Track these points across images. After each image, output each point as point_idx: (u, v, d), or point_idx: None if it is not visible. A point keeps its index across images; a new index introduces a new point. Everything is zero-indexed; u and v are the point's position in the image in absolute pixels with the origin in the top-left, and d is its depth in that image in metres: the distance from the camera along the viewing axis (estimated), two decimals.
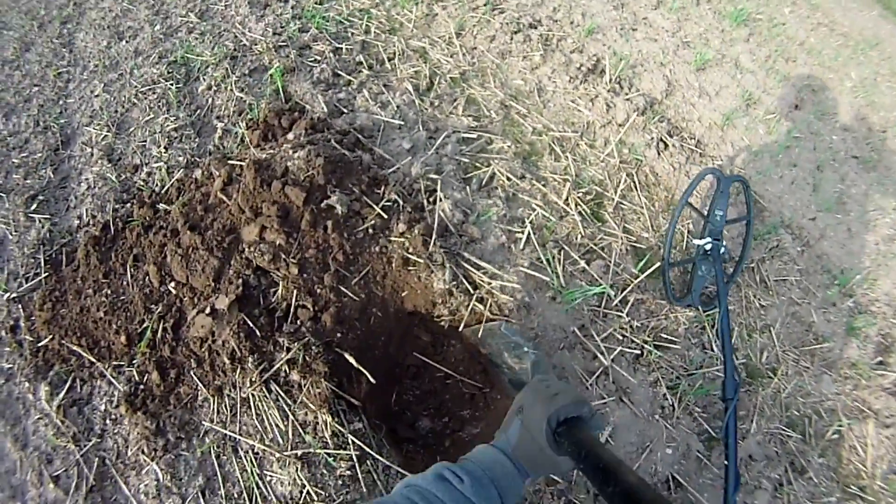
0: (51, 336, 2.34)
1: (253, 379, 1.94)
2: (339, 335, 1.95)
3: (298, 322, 1.95)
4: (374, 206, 2.00)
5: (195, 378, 2.04)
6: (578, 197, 2.33)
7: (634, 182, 2.49)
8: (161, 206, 2.35)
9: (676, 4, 3.49)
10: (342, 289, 1.97)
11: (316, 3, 3.24)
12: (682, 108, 2.88)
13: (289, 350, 1.92)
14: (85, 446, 2.02)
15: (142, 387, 2.09)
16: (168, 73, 2.91)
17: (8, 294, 2.50)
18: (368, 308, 2.03)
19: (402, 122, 2.46)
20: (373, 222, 1.99)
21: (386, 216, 2.02)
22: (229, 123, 2.56)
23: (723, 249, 2.14)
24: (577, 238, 2.22)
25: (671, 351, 2.14)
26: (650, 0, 3.41)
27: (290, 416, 1.93)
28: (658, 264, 2.20)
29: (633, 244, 2.29)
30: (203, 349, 2.05)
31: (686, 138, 2.74)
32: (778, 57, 3.67)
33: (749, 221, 2.34)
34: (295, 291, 1.95)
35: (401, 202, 2.06)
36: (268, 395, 1.95)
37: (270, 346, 1.96)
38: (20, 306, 2.47)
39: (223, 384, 2.02)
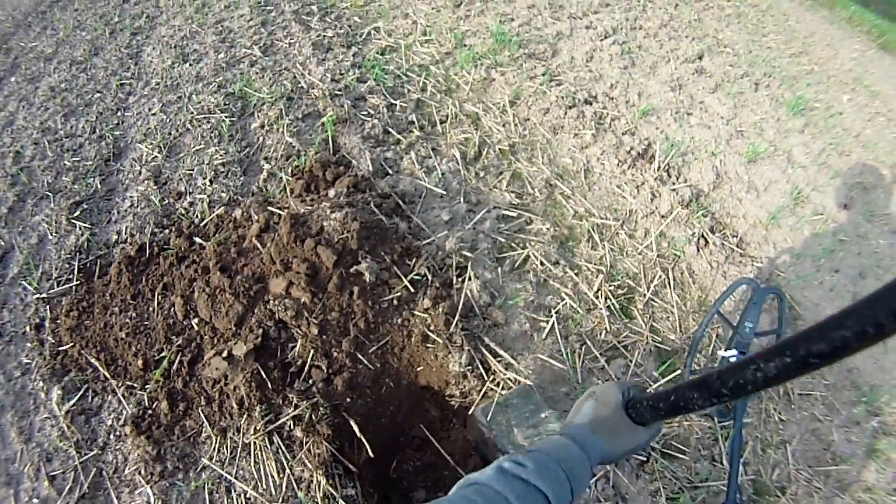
0: (72, 343, 2.50)
1: (257, 427, 2.04)
2: (348, 400, 2.04)
3: (311, 381, 2.06)
4: (403, 278, 2.11)
5: (202, 415, 2.15)
6: (610, 290, 2.41)
7: (669, 278, 2.55)
8: (197, 239, 2.51)
9: (734, 89, 3.59)
10: (359, 355, 2.07)
11: (377, 54, 3.46)
12: (728, 202, 2.95)
13: (297, 406, 2.02)
14: (85, 455, 2.15)
15: (150, 412, 2.22)
16: (225, 104, 3.13)
17: (39, 293, 2.68)
18: (382, 378, 2.13)
19: (445, 192, 2.60)
20: (399, 294, 2.10)
21: (413, 289, 2.13)
22: (276, 167, 2.74)
23: None
24: (601, 334, 2.29)
25: (678, 461, 2.16)
26: (708, 83, 3.51)
27: (287, 470, 2.02)
28: (680, 370, 2.24)
29: (658, 345, 2.34)
30: (214, 389, 2.17)
31: (728, 236, 2.80)
32: (832, 150, 3.67)
33: (779, 335, 2.37)
34: (312, 351, 2.06)
35: (430, 276, 2.18)
36: (269, 445, 2.04)
37: (279, 399, 2.07)
38: (48, 307, 2.65)
39: (228, 426, 2.12)
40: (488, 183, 2.73)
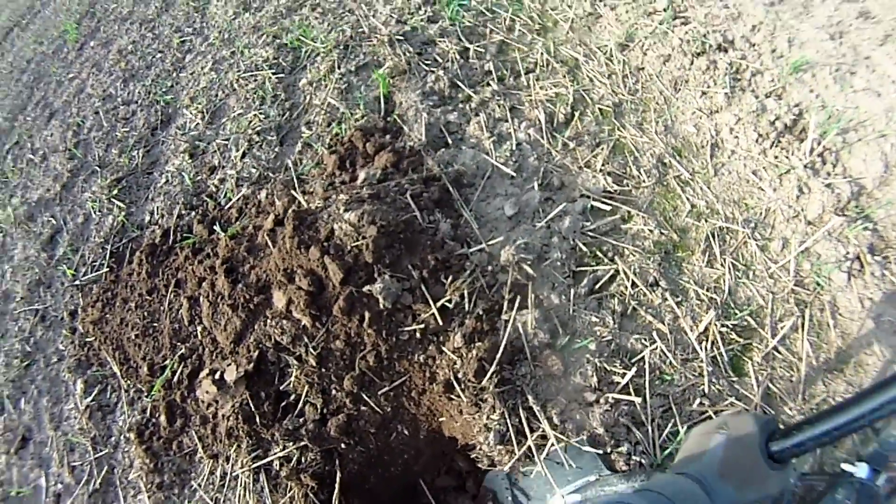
0: (94, 337, 2.49)
1: (244, 461, 1.81)
2: (343, 446, 1.71)
3: (302, 420, 1.74)
4: (431, 304, 1.65)
5: (195, 436, 2.00)
6: (720, 332, 1.72)
7: (804, 318, 1.77)
8: (216, 228, 2.29)
9: None
10: (364, 396, 1.70)
11: None
12: None
13: (284, 448, 1.72)
14: (100, 451, 2.25)
15: (152, 422, 2.17)
16: (275, 58, 2.88)
17: (75, 279, 2.72)
18: (392, 423, 1.74)
19: (516, 173, 2.06)
20: (424, 324, 1.65)
21: (443, 319, 1.66)
22: (314, 135, 2.42)
23: (880, 481, 1.42)
24: (694, 398, 1.63)
25: None
26: (875, 32, 2.37)
27: None
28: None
29: None
30: (209, 410, 1.96)
31: (892, 261, 1.87)
32: None
33: None
34: (307, 385, 1.73)
35: (469, 301, 1.69)
36: (255, 482, 1.85)
37: (268, 435, 1.79)
38: (81, 294, 2.68)
39: (219, 453, 1.95)
40: (578, 158, 2.11)
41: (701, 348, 1.70)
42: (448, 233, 1.83)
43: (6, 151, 3.81)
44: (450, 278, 1.71)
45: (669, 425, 1.59)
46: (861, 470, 1.46)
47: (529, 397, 1.58)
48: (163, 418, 2.08)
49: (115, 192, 2.84)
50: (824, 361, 1.72)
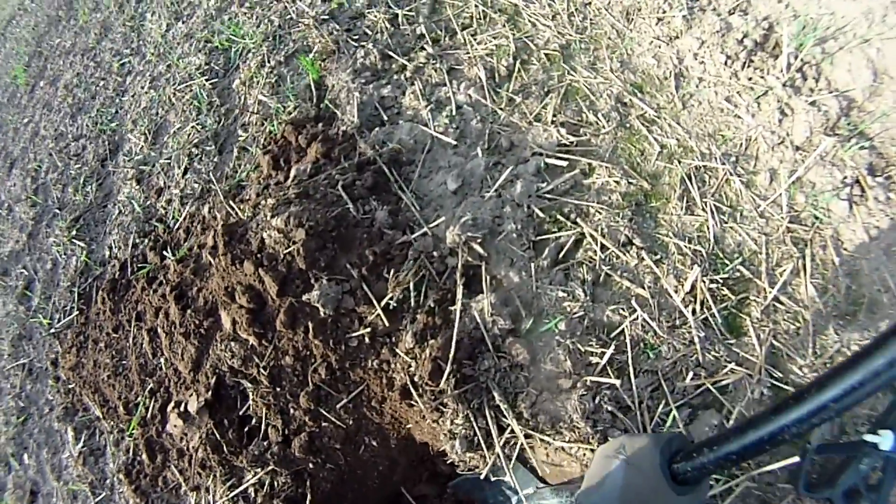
0: (74, 383, 2.43)
1: (221, 491, 1.71)
2: (311, 465, 1.60)
3: (266, 443, 1.63)
4: (376, 303, 1.50)
5: (176, 470, 1.91)
6: (710, 290, 1.50)
7: (804, 259, 1.53)
8: (167, 253, 2.18)
9: None
10: (322, 411, 1.57)
11: None
12: (893, 119, 1.70)
13: (255, 474, 1.63)
14: (99, 495, 2.20)
15: (137, 460, 2.10)
16: (206, 63, 2.72)
17: (51, 327, 2.66)
18: (358, 436, 1.62)
19: (458, 141, 1.88)
20: (371, 327, 1.51)
21: (391, 320, 1.51)
22: (249, 137, 2.27)
23: None
24: (687, 369, 1.42)
25: None
26: None
27: None
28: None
29: (776, 383, 1.39)
30: (182, 443, 1.88)
31: (895, 180, 1.62)
32: None
33: None
34: (264, 407, 1.61)
35: (420, 293, 1.54)
36: None
37: (239, 462, 1.69)
38: (58, 342, 2.63)
39: (200, 485, 1.86)
40: (526, 113, 1.91)
41: (689, 311, 1.47)
42: (386, 221, 1.66)
43: None
44: (394, 270, 1.56)
45: (661, 406, 1.38)
46: (886, 440, 1.25)
47: (495, 394, 1.42)
48: (144, 456, 2.00)
49: (75, 232, 2.75)
50: (833, 307, 1.48)
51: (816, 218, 1.58)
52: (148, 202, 2.50)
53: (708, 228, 1.61)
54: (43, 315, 2.70)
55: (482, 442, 1.39)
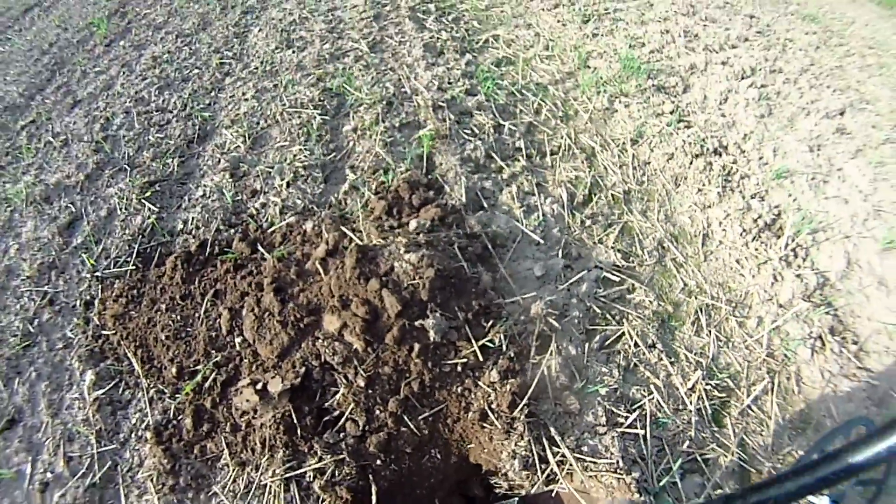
0: (114, 331, 2.53)
1: (276, 471, 1.92)
2: (378, 462, 1.87)
3: (342, 435, 1.90)
4: (473, 342, 1.90)
5: (224, 442, 2.08)
6: (705, 390, 2.12)
7: (774, 384, 2.20)
8: (260, 248, 2.45)
9: (876, 157, 2.99)
10: (405, 418, 1.88)
11: (493, 65, 3.29)
12: (855, 298, 2.49)
13: (321, 459, 1.87)
14: (104, 446, 2.21)
15: (173, 424, 2.19)
16: (320, 100, 3.10)
17: (95, 270, 2.75)
18: (427, 446, 1.93)
19: (542, 240, 2.36)
20: (465, 359, 1.89)
21: (482, 357, 1.91)
22: (360, 180, 2.64)
23: None
24: (684, 442, 1.99)
25: None
26: (849, 146, 2.97)
27: None
28: None
29: (744, 464, 2.03)
30: (242, 419, 2.08)
31: (848, 341, 2.38)
32: None
33: (881, 486, 1.96)
34: (353, 404, 1.90)
35: (505, 343, 1.95)
36: (284, 492, 1.94)
37: (306, 447, 1.93)
38: (100, 286, 2.71)
39: (248, 461, 2.04)
40: (594, 235, 2.46)
41: (689, 401, 2.06)
42: (489, 283, 2.10)
43: (21, 128, 3.76)
44: (490, 322, 1.97)
45: (664, 462, 1.91)
46: (822, 500, 1.81)
47: (552, 429, 1.84)
48: (188, 421, 2.14)
49: (148, 194, 2.92)
50: (790, 421, 2.10)
51: (786, 356, 2.24)
52: (239, 197, 2.76)
53: (709, 348, 2.22)
54: (87, 255, 2.79)
55: (537, 463, 1.77)
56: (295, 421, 1.94)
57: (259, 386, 2.03)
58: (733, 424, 2.06)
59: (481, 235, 2.27)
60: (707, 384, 2.13)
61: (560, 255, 2.33)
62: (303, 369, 2.00)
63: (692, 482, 1.94)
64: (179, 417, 2.21)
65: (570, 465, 1.78)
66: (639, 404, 2.00)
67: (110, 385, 2.42)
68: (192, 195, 2.88)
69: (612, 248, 2.44)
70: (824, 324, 2.33)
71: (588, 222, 2.52)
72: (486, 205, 2.49)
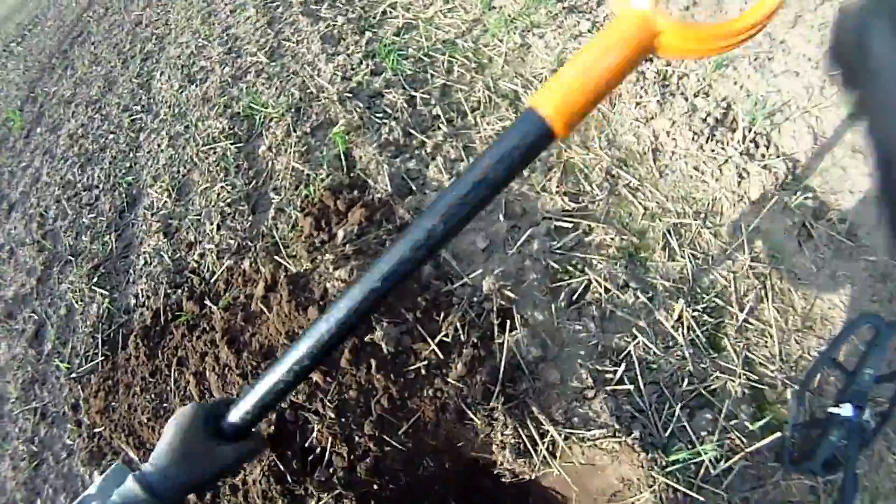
0: (103, 426, 2.45)
1: None
2: (375, 486, 1.78)
3: (331, 470, 1.80)
4: (430, 340, 1.76)
5: None
6: (693, 317, 1.91)
7: (767, 290, 1.98)
8: (207, 302, 2.33)
9: (818, 18, 2.70)
10: (385, 437, 1.77)
11: (394, 35, 3.05)
12: (832, 174, 2.22)
13: (319, 499, 1.79)
14: None
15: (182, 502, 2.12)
16: (230, 128, 2.92)
17: (70, 372, 2.67)
18: (417, 458, 1.83)
19: None
20: (426, 360, 1.76)
21: (443, 354, 1.77)
22: (284, 200, 2.48)
23: (866, 416, 1.64)
24: (682, 380, 1.81)
25: None
26: (787, 16, 2.68)
27: None
28: (784, 428, 1.73)
29: (755, 384, 1.83)
30: (238, 479, 1.99)
31: (835, 222, 2.11)
32: None
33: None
34: (330, 437, 1.80)
35: (464, 332, 1.81)
36: None
37: (301, 490, 1.84)
38: (80, 386, 2.64)
39: None
40: (534, 184, 2.27)
41: (678, 335, 1.87)
42: (431, 273, 1.94)
43: None
44: (442, 314, 1.82)
45: (666, 408, 1.74)
46: (845, 409, 1.67)
47: (534, 407, 1.71)
48: (192, 496, 2.09)
49: (95, 279, 2.81)
50: (793, 323, 1.89)
51: (773, 257, 2.00)
52: (177, 255, 2.63)
53: (687, 271, 2.01)
54: (60, 360, 2.72)
55: (529, 448, 1.66)
56: (282, 468, 1.85)
57: None
58: (733, 345, 1.87)
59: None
60: (694, 310, 1.91)
61: (502, 217, 2.16)
62: (275, 416, 1.90)
63: (702, 419, 1.76)
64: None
65: (563, 442, 1.66)
66: (624, 353, 1.84)
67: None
68: (135, 267, 2.76)
69: (557, 192, 2.24)
70: (805, 210, 2.09)
71: (525, 172, 2.32)
72: (413, 187, 2.32)
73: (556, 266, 2.02)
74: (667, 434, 1.72)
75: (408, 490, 1.80)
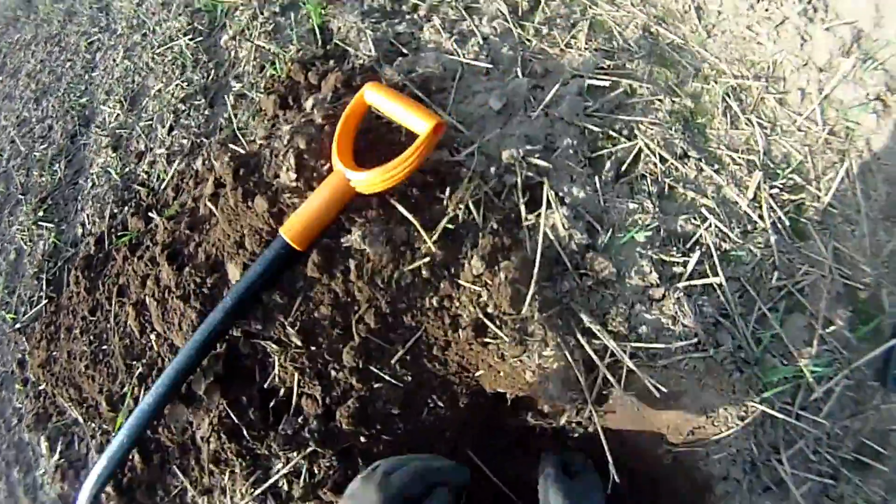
0: (44, 381, 1.99)
1: (243, 490, 1.34)
2: (361, 439, 1.25)
3: (300, 419, 1.27)
4: (425, 235, 1.18)
5: (179, 472, 1.51)
6: (772, 194, 1.43)
7: (851, 167, 1.54)
8: (153, 215, 1.81)
9: None
10: (372, 369, 1.23)
11: None
12: None
13: (288, 460, 1.26)
14: None
15: (128, 465, 1.63)
16: (188, 24, 2.37)
17: (16, 323, 2.22)
18: (419, 396, 1.28)
19: (491, 65, 1.60)
20: (427, 258, 1.19)
21: (451, 244, 1.20)
22: (247, 84, 1.94)
23: None
24: (768, 273, 1.33)
25: (874, 471, 1.30)
26: None
27: None
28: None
29: (847, 281, 1.40)
30: (185, 436, 1.49)
31: None
32: None
33: None
34: (297, 374, 1.25)
35: (478, 216, 1.23)
36: None
37: (264, 449, 1.32)
38: (24, 338, 2.19)
39: (212, 486, 1.47)
40: (557, 41, 1.68)
41: (756, 217, 1.38)
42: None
43: None
44: (447, 192, 1.25)
45: (754, 311, 1.27)
46: None
47: (583, 315, 1.14)
48: (137, 458, 1.59)
49: (41, 213, 2.33)
50: (878, 210, 1.51)
51: (850, 129, 1.60)
52: (126, 169, 2.12)
53: (755, 141, 1.54)
54: (6, 310, 2.25)
55: (579, 375, 1.09)
56: (236, 420, 1.33)
57: (183, 390, 1.42)
58: (817, 232, 1.43)
59: (406, 85, 1.52)
60: (771, 187, 1.45)
61: (521, 74, 1.56)
62: (224, 348, 1.37)
63: (795, 326, 1.31)
64: (131, 455, 1.66)
65: (630, 362, 1.11)
66: (692, 240, 1.30)
67: (63, 445, 1.91)
68: (83, 192, 2.26)
69: (587, 49, 1.65)
70: (878, 81, 1.66)
71: (545, 30, 1.72)
72: (405, 51, 1.73)
73: (595, 129, 1.44)
74: (760, 348, 1.23)
75: (408, 440, 1.26)
